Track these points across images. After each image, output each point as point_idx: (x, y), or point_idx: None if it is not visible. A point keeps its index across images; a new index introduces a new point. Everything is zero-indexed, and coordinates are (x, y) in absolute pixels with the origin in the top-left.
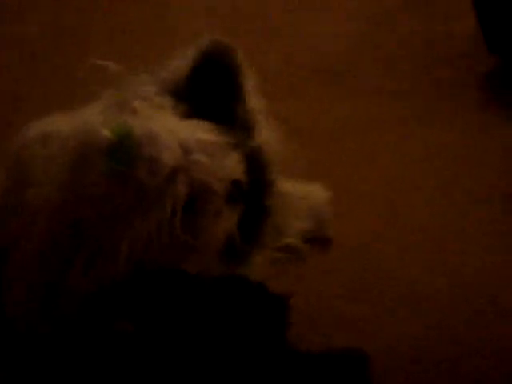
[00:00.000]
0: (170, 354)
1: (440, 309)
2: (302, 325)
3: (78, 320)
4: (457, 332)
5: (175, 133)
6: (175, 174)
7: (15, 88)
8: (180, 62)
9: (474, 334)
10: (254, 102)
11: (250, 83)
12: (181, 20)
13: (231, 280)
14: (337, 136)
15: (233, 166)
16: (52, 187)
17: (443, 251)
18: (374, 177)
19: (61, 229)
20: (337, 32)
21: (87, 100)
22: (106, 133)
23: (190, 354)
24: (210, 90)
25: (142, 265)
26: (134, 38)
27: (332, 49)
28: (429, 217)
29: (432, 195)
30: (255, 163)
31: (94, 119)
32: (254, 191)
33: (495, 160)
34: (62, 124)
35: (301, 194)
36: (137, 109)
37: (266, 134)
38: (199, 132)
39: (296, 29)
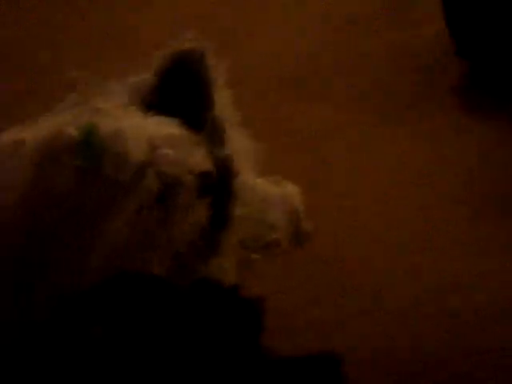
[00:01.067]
0: (140, 360)
1: (414, 312)
2: (275, 329)
3: (50, 324)
4: (431, 335)
5: (141, 129)
6: (143, 168)
7: None
8: (147, 71)
9: (450, 338)
10: (223, 109)
11: (221, 91)
12: (143, 28)
13: (203, 284)
14: (300, 142)
15: (200, 158)
16: (17, 190)
17: (419, 254)
18: (338, 183)
19: (29, 231)
20: (304, 38)
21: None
22: (70, 131)
23: (159, 359)
24: (177, 98)
25: (116, 267)
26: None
27: (293, 55)
28: (404, 219)
29: (406, 198)
30: (223, 172)
31: (59, 122)
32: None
33: (469, 162)
34: (29, 131)
35: (274, 192)
36: (102, 109)
37: (236, 143)
38: (165, 127)
39: (255, 34)
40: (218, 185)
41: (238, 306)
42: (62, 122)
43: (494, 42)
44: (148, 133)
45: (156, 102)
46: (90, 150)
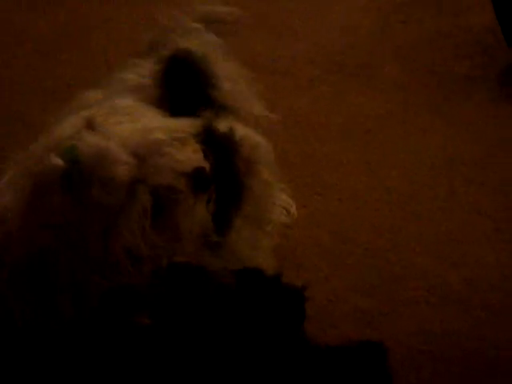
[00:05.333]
0: (184, 347)
1: (453, 302)
2: (318, 318)
3: (95, 314)
4: (470, 326)
5: (127, 141)
6: (134, 186)
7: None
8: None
9: (487, 328)
10: (231, 87)
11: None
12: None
13: (246, 273)
14: (352, 130)
15: (191, 156)
16: (12, 220)
17: (458, 245)
18: (388, 170)
19: (27, 259)
20: (349, 26)
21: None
22: (56, 161)
23: (204, 347)
24: (182, 82)
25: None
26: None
27: (344, 44)
28: (442, 211)
29: (446, 187)
30: (225, 146)
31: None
32: (225, 174)
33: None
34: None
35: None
36: (94, 124)
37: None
38: (151, 132)
39: (306, 24)
40: (224, 158)
41: (280, 294)
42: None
43: None
44: (134, 144)
45: (160, 93)
46: (77, 177)
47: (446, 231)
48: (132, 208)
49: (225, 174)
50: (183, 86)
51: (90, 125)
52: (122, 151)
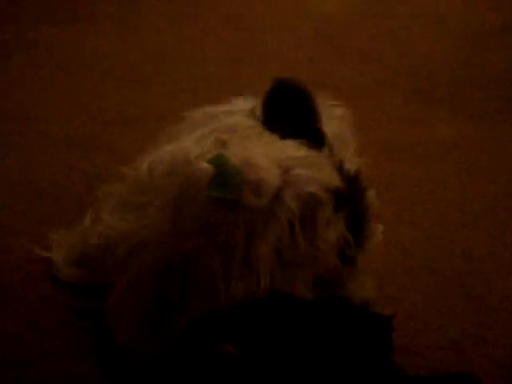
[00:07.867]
0: (272, 377)
1: None
2: (407, 348)
3: (183, 342)
4: None
5: (269, 153)
6: (282, 191)
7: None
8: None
9: None
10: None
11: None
12: (268, 45)
13: (333, 302)
14: (438, 158)
15: (331, 174)
16: (158, 222)
17: None
18: (476, 197)
19: (171, 260)
20: (432, 52)
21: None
22: (204, 166)
23: (292, 377)
24: (287, 115)
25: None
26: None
27: (427, 69)
28: None
29: None
30: (353, 186)
31: (189, 153)
32: (352, 198)
33: None
34: (164, 156)
35: None
36: (226, 140)
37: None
38: (290, 150)
39: (390, 49)
40: (351, 200)
41: (368, 323)
42: (191, 153)
43: None
44: (277, 156)
45: (267, 120)
46: (226, 182)
47: None
48: (281, 211)
49: (355, 213)
50: (287, 114)
51: (223, 142)
52: (268, 161)
